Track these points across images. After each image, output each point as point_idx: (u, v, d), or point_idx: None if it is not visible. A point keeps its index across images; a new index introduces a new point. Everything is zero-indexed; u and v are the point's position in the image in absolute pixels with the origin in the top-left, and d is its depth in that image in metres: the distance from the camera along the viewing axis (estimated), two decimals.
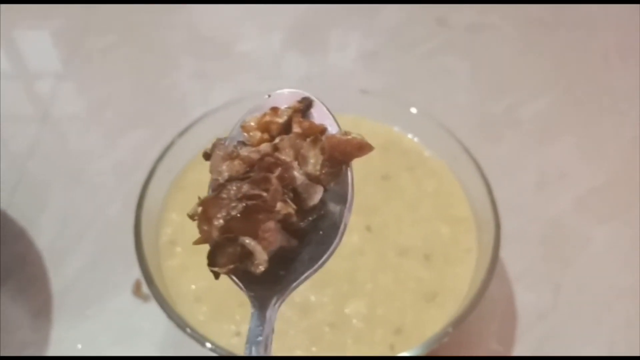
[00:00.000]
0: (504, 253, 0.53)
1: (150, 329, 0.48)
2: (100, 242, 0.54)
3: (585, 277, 0.52)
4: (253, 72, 0.70)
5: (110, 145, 0.62)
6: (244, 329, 0.39)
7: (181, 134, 0.47)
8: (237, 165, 0.26)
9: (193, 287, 0.41)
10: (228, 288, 0.40)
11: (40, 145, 0.62)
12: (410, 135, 0.50)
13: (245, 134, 0.27)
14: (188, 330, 0.36)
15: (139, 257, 0.40)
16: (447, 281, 0.41)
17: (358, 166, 0.49)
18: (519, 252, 0.54)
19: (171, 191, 0.46)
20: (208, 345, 0.36)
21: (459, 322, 0.37)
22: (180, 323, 0.37)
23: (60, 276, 0.52)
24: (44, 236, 0.54)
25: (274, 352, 0.38)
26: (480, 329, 0.49)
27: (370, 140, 0.50)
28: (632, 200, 0.58)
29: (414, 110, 0.50)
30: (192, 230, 0.44)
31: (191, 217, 0.26)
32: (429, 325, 0.39)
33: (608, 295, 0.51)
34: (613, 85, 0.70)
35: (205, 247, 0.43)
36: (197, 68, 0.71)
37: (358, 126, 0.51)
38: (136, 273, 0.42)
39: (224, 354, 0.36)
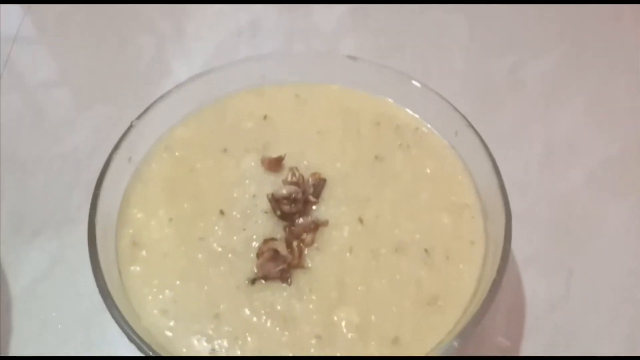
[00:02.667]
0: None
1: (120, 335, 0.43)
2: (59, 241, 0.48)
3: (600, 261, 0.47)
4: (229, 32, 0.63)
5: (68, 127, 0.56)
6: (219, 345, 0.34)
7: (140, 116, 0.41)
8: None
9: (160, 297, 0.36)
10: (199, 298, 0.36)
11: None
12: (405, 108, 0.44)
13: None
14: (151, 354, 0.31)
15: (93, 267, 0.35)
16: (449, 281, 0.36)
17: (348, 147, 0.43)
18: (527, 234, 0.49)
19: (131, 184, 0.40)
20: None
21: (465, 333, 0.32)
22: (142, 346, 0.31)
23: (19, 279, 0.46)
24: None
25: None
26: (485, 322, 0.44)
27: (359, 114, 0.45)
28: None
29: (408, 78, 0.43)
30: (158, 229, 0.39)
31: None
32: (429, 334, 0.34)
33: (626, 281, 0.46)
34: (626, 39, 0.63)
35: (174, 251, 0.37)
36: (164, 32, 0.63)
37: (345, 98, 0.45)
38: None
39: None
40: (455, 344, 0.32)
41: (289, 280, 0.36)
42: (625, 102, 0.58)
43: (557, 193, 0.52)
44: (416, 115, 0.44)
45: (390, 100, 0.44)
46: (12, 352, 0.43)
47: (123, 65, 0.61)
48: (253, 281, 0.36)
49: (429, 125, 0.43)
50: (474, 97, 0.59)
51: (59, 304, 0.45)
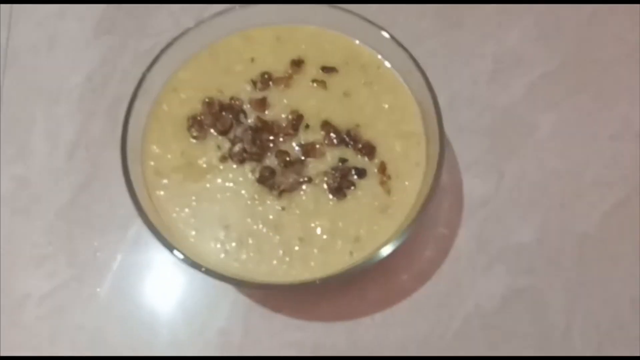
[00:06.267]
0: (457, 144, 0.60)
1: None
2: (91, 162, 0.59)
3: (528, 164, 0.58)
4: None
5: (79, 57, 0.63)
6: (229, 247, 0.47)
7: (150, 67, 0.49)
8: None
9: (182, 214, 0.48)
10: (211, 214, 0.48)
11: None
12: (369, 49, 0.53)
13: None
14: (182, 257, 0.44)
15: (130, 193, 0.46)
16: (397, 194, 0.48)
17: (322, 85, 0.52)
18: (471, 142, 0.59)
19: (149, 124, 0.50)
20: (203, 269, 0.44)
21: (404, 235, 0.45)
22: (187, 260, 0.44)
23: (61, 195, 0.58)
24: (37, 157, 0.59)
25: (252, 264, 0.46)
26: (432, 215, 0.57)
27: (331, 55, 0.53)
28: (583, 82, 0.61)
29: (372, 25, 0.51)
30: (174, 161, 0.50)
31: None
32: (381, 233, 0.47)
33: (546, 180, 0.58)
34: None
35: (188, 178, 0.49)
36: None
37: (319, 38, 0.53)
38: None
39: (214, 275, 0.44)
40: (397, 242, 0.45)
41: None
42: (569, 15, 0.65)
43: (499, 105, 0.61)
44: (378, 56, 0.52)
45: (357, 41, 0.53)
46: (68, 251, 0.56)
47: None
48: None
49: (388, 64, 0.52)
50: (437, 14, 0.66)
51: (98, 213, 0.57)
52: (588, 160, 0.59)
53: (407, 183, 0.48)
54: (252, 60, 0.52)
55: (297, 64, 0.52)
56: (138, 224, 0.55)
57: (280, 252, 0.47)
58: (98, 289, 0.55)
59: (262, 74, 0.51)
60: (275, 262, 0.47)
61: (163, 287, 0.55)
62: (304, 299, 0.55)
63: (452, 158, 0.59)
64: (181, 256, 0.44)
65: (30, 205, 0.58)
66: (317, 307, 0.54)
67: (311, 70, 0.52)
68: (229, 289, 0.55)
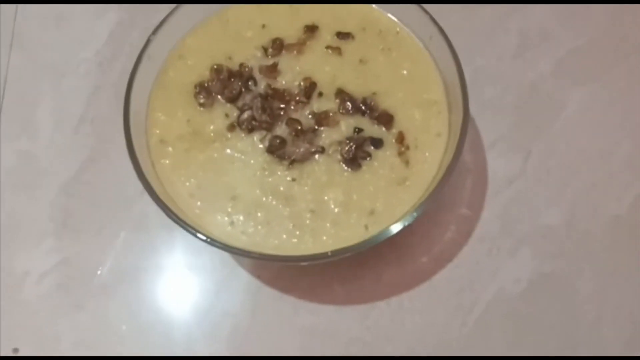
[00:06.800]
0: (480, 121, 0.56)
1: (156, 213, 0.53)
2: (97, 137, 0.57)
3: (556, 143, 0.55)
4: None
5: (88, 33, 0.61)
6: (236, 219, 0.44)
7: (155, 31, 0.47)
8: None
9: (187, 184, 0.45)
10: (218, 185, 0.45)
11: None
12: (387, 14, 0.50)
13: None
14: (185, 225, 0.41)
15: (132, 159, 0.43)
16: (416, 166, 0.45)
17: (337, 52, 0.50)
18: (495, 119, 0.56)
19: (154, 91, 0.48)
20: (202, 237, 0.41)
21: (424, 206, 0.41)
22: (186, 226, 0.41)
23: (65, 170, 0.56)
24: (43, 132, 0.57)
25: (263, 236, 0.44)
26: (453, 196, 0.54)
27: (347, 20, 0.51)
28: (612, 60, 0.58)
29: None
30: (179, 129, 0.47)
31: None
32: (398, 207, 0.44)
33: (576, 159, 0.54)
34: None
35: (194, 147, 0.46)
36: None
37: (334, 5, 0.50)
38: None
39: (217, 245, 0.41)
40: (415, 214, 0.41)
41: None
42: None
43: (526, 82, 0.58)
44: (397, 20, 0.49)
45: (374, 6, 0.50)
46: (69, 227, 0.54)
47: None
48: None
49: (407, 30, 0.49)
50: None
51: (103, 189, 0.55)
52: (619, 140, 0.55)
53: (427, 154, 0.45)
54: (263, 26, 0.50)
55: (311, 29, 0.49)
56: (143, 201, 0.53)
57: (291, 225, 0.44)
58: (100, 267, 0.53)
59: (274, 40, 0.48)
60: (284, 235, 0.44)
61: (168, 265, 0.53)
62: (316, 281, 0.51)
63: (476, 135, 0.56)
64: (186, 227, 0.42)
65: (34, 180, 0.56)
66: (330, 290, 0.51)
67: (325, 36, 0.49)
68: (239, 268, 0.52)
